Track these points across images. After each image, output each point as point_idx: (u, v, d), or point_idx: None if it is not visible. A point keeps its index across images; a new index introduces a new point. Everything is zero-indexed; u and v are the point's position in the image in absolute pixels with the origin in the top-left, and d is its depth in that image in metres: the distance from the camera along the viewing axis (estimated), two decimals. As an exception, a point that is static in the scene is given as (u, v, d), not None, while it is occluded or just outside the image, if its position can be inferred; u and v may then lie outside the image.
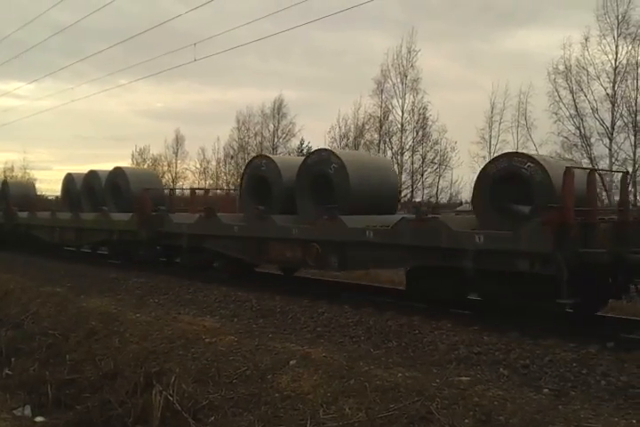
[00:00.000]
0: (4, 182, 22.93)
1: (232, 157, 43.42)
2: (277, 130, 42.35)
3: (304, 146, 43.23)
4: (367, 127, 37.07)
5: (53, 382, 7.33)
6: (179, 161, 49.03)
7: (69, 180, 18.64)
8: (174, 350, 7.15)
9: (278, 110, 42.17)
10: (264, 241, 10.76)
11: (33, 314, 10.02)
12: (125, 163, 51.31)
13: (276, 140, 42.43)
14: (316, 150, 11.45)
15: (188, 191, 19.06)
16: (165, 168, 49.12)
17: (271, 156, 12.60)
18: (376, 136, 36.49)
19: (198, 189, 19.39)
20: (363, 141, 37.50)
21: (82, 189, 17.60)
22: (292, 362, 6.18)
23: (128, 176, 16.03)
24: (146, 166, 47.63)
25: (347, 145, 38.50)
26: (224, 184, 41.88)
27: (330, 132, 39.02)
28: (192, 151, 49.85)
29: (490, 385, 5.16)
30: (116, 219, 14.56)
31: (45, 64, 70.45)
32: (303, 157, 11.87)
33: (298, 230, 10.00)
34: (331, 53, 63.07)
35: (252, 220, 11.18)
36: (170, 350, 7.20)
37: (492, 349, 6.35)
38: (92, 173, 17.48)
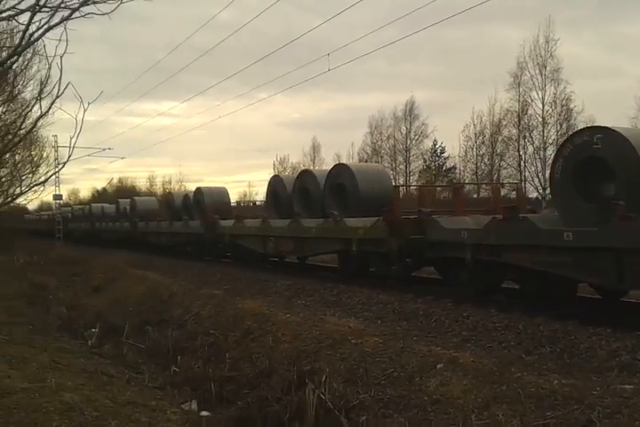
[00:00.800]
0: (198, 190, 21.40)
1: (366, 162, 43.83)
2: (410, 132, 42.14)
3: (437, 146, 42.59)
4: (504, 123, 35.74)
5: (215, 378, 7.90)
6: (316, 167, 50.46)
7: (277, 182, 17.01)
8: (323, 350, 7.43)
9: (410, 112, 42.02)
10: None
11: (195, 315, 10.89)
12: (268, 172, 53.87)
13: (408, 142, 42.22)
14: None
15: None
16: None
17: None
18: (514, 131, 35.04)
19: (459, 184, 18.25)
20: (500, 138, 36.14)
21: (296, 191, 15.58)
22: (439, 366, 6.18)
23: (355, 174, 13.62)
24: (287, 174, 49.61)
25: (482, 143, 37.32)
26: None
27: (464, 130, 38.15)
28: (328, 158, 51.20)
29: (658, 395, 4.81)
30: (354, 225, 11.83)
31: (193, 84, 76.36)
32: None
33: None
34: (461, 50, 61.63)
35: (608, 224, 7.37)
36: (319, 349, 7.50)
37: (658, 356, 5.89)
38: (306, 174, 15.82)
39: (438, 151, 42.76)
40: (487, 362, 6.05)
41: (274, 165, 53.02)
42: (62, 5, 3.79)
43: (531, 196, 32.50)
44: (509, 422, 4.82)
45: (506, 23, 59.84)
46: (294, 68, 67.49)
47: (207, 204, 19.98)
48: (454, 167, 41.38)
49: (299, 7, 79.07)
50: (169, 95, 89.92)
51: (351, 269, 12.60)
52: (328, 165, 49.24)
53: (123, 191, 60.30)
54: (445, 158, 42.74)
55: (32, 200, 33.62)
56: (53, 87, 3.93)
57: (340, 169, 14.31)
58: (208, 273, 15.78)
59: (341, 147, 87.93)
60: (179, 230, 21.04)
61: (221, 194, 21.36)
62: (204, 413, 7.19)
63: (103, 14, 4.00)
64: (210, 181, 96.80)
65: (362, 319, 8.83)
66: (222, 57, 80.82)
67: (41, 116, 4.14)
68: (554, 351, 6.49)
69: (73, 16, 3.86)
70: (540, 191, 33.09)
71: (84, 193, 77.37)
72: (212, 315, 10.54)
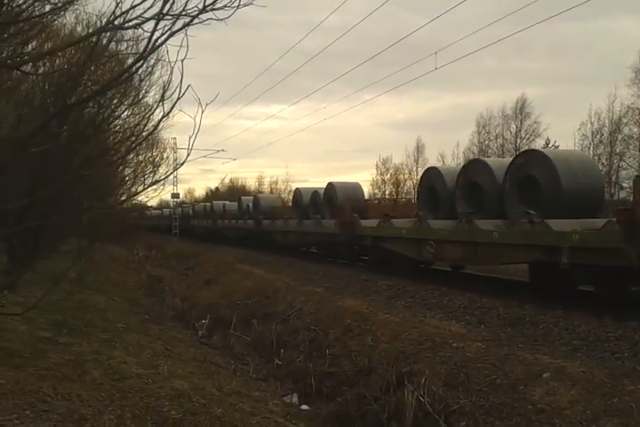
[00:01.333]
0: (330, 185, 19.76)
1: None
2: (520, 131, 40.45)
3: (550, 146, 40.51)
4: (625, 121, 33.38)
5: (316, 373, 8.07)
6: (419, 168, 49.85)
7: (434, 175, 14.53)
8: (422, 352, 7.37)
9: (521, 110, 40.38)
10: None
11: (297, 311, 11.17)
12: (370, 173, 53.95)
13: (518, 141, 40.54)
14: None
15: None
16: (407, 176, 50.34)
17: None
18: (636, 130, 32.60)
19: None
20: (620, 137, 33.79)
21: (460, 187, 13.19)
22: (545, 375, 5.93)
23: (553, 162, 10.84)
24: (388, 175, 49.42)
25: (600, 142, 35.08)
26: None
27: (580, 129, 36.06)
28: (432, 158, 50.30)
29: None
30: (563, 229, 9.18)
31: (300, 88, 78.10)
32: None
33: None
34: (576, 45, 58.21)
35: None
36: (418, 351, 7.44)
37: None
38: (477, 164, 13.36)
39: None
40: (598, 373, 5.72)
41: (377, 165, 52.98)
42: (183, 13, 4.03)
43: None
44: (620, 438, 4.55)
45: (627, 15, 55.81)
46: (399, 68, 66.78)
47: (341, 201, 18.07)
48: (569, 167, 39.15)
49: (405, 7, 78.28)
50: (278, 99, 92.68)
51: (554, 285, 9.88)
52: (431, 164, 48.51)
53: (234, 191, 62.76)
54: (559, 158, 40.51)
55: (152, 198, 35.95)
56: (174, 91, 4.19)
57: (530, 157, 11.66)
58: (310, 271, 16.09)
59: (446, 147, 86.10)
60: (309, 230, 19.11)
61: (355, 190, 19.73)
62: (304, 406, 7.36)
63: (220, 20, 4.21)
64: (314, 182, 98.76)
65: (464, 323, 8.64)
66: (329, 60, 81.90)
67: (163, 117, 4.42)
68: (674, 366, 6.01)
69: (193, 22, 4.10)
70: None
71: (199, 192, 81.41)
72: (314, 311, 10.76)
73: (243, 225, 27.02)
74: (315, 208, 20.39)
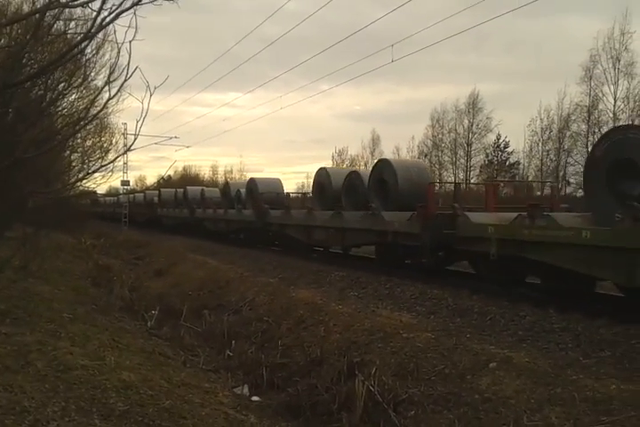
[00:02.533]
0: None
1: (426, 155, 43.24)
2: (472, 125, 41.21)
3: (500, 141, 41.46)
4: (573, 118, 34.42)
5: (267, 364, 8.03)
6: (374, 160, 50.27)
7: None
8: (374, 343, 7.44)
9: (473, 105, 41.06)
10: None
11: (250, 302, 11.10)
12: (326, 163, 54.17)
13: (470, 136, 41.31)
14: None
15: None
16: (362, 167, 50.68)
17: None
18: (584, 127, 33.69)
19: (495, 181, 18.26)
20: (568, 133, 34.84)
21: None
22: (491, 364, 6.07)
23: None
24: (344, 166, 49.69)
25: (549, 138, 36.11)
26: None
27: (530, 125, 36.99)
28: (387, 150, 50.77)
29: None
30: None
31: (258, 75, 77.31)
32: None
33: None
34: (531, 42, 59.59)
35: None
36: (370, 342, 7.51)
37: None
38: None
39: (502, 146, 41.61)
40: (542, 363, 5.90)
41: (332, 156, 53.17)
42: (133, -9, 3.90)
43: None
44: (562, 425, 4.69)
45: (581, 14, 57.51)
46: (358, 59, 67.10)
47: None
48: (518, 163, 40.24)
49: (364, -3, 78.33)
50: (234, 86, 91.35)
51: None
52: (387, 156, 49.02)
53: (187, 179, 61.88)
54: (509, 153, 41.52)
55: (100, 185, 34.97)
56: (122, 72, 4.05)
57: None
58: (264, 261, 16.02)
59: (402, 140, 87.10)
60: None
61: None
62: (255, 398, 7.32)
63: (172, 1, 4.09)
64: (269, 172, 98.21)
65: (414, 314, 8.77)
66: (287, 48, 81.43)
67: (109, 100, 4.28)
68: (613, 355, 6.25)
69: (142, 2, 3.96)
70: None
71: (151, 180, 79.87)
72: (267, 302, 10.72)
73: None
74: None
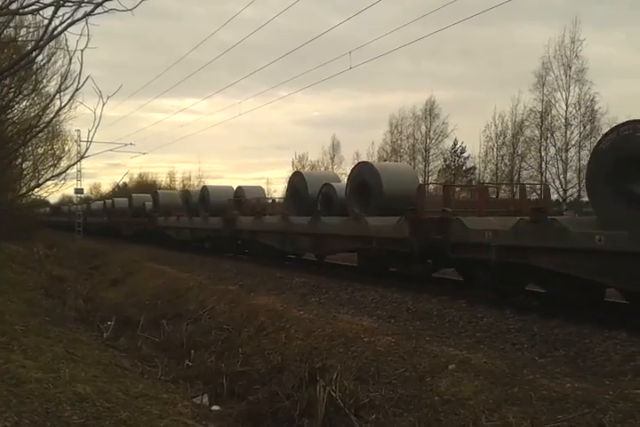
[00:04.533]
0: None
1: (385, 160, 43.71)
2: (429, 131, 41.89)
3: (457, 146, 42.29)
4: (527, 123, 35.37)
5: (228, 373, 7.93)
6: (335, 166, 50.55)
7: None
8: (335, 348, 7.43)
9: (430, 111, 41.77)
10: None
11: (209, 310, 10.95)
12: (287, 170, 54.16)
13: (428, 141, 41.97)
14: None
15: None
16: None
17: None
18: (537, 132, 34.66)
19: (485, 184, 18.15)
20: (522, 139, 35.80)
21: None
22: (450, 366, 6.14)
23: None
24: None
25: (504, 143, 37.01)
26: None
27: (485, 130, 37.84)
28: (347, 156, 51.19)
29: (672, 401, 4.72)
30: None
31: (215, 81, 76.83)
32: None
33: None
34: (485, 49, 61.03)
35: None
36: (331, 347, 7.50)
37: (675, 362, 5.79)
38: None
39: (458, 151, 42.44)
40: (500, 364, 6.00)
41: (292, 162, 53.21)
42: (86, 0, 3.83)
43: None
44: (520, 424, 4.77)
45: (533, 22, 59.17)
46: (316, 66, 67.40)
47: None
48: (474, 168, 41.08)
49: (321, 5, 79.03)
50: (191, 92, 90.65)
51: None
52: (347, 163, 49.29)
53: (143, 186, 60.83)
54: (465, 158, 42.41)
55: (52, 193, 34.16)
56: (73, 81, 3.98)
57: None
58: (224, 269, 15.86)
59: (362, 145, 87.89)
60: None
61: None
62: (215, 407, 7.22)
63: (126, 10, 4.03)
64: (229, 178, 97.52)
65: (375, 318, 8.81)
66: (244, 54, 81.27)
67: (60, 108, 4.19)
68: (568, 355, 6.42)
69: (96, 11, 3.89)
70: (561, 193, 32.72)
71: (106, 187, 78.19)
72: (227, 310, 10.60)
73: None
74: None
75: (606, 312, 8.10)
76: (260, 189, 23.17)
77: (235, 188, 22.48)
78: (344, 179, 16.48)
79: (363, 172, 13.70)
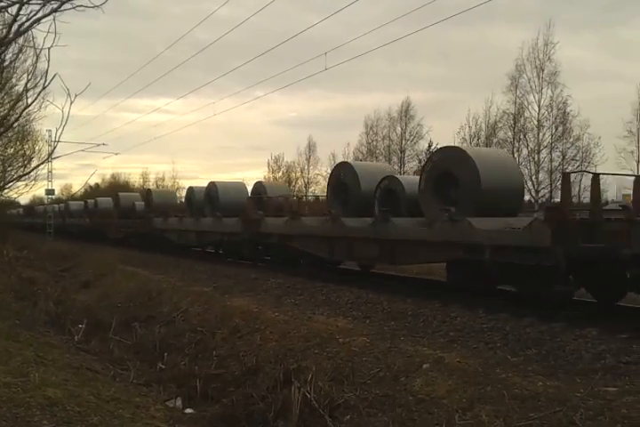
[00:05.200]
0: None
1: (361, 161, 43.90)
2: (405, 132, 42.22)
3: (432, 148, 42.63)
4: (500, 125, 35.95)
5: (202, 376, 7.85)
6: (311, 167, 50.60)
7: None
8: (310, 349, 7.42)
9: (405, 113, 42.15)
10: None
11: (183, 312, 10.84)
12: (262, 171, 53.94)
13: (403, 142, 42.28)
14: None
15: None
16: (299, 174, 50.87)
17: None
18: (510, 134, 35.19)
19: None
20: (495, 140, 36.27)
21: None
22: (425, 366, 6.17)
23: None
24: (280, 173, 49.65)
25: (477, 144, 37.45)
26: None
27: (459, 132, 38.27)
28: (323, 157, 51.38)
29: (640, 397, 4.82)
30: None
31: (190, 81, 76.26)
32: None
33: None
34: (461, 51, 61.76)
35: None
36: (306, 348, 7.49)
37: (643, 359, 5.90)
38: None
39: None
40: (473, 363, 6.05)
41: (268, 163, 53.06)
42: (51, -3, 3.76)
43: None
44: (492, 423, 4.82)
45: (508, 25, 60.09)
46: (292, 66, 67.31)
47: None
48: (448, 169, 41.41)
49: (297, 5, 79.05)
50: (165, 91, 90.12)
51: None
52: (323, 164, 49.41)
53: (116, 187, 60.09)
54: (440, 160, 42.70)
55: (22, 194, 33.47)
56: (40, 79, 3.90)
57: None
58: (198, 270, 15.73)
59: (337, 146, 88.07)
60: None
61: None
62: (189, 410, 7.15)
63: (94, 7, 3.97)
64: (205, 179, 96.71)
65: (350, 318, 8.82)
66: (220, 54, 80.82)
67: (26, 107, 4.10)
68: (539, 353, 6.49)
69: (63, 8, 3.82)
70: (533, 194, 33.23)
71: (78, 188, 77.01)
72: (201, 312, 10.51)
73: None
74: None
75: (576, 311, 8.24)
76: (284, 185, 20.59)
77: (245, 184, 20.06)
78: (321, 179, 15.75)
79: (446, 160, 10.87)
